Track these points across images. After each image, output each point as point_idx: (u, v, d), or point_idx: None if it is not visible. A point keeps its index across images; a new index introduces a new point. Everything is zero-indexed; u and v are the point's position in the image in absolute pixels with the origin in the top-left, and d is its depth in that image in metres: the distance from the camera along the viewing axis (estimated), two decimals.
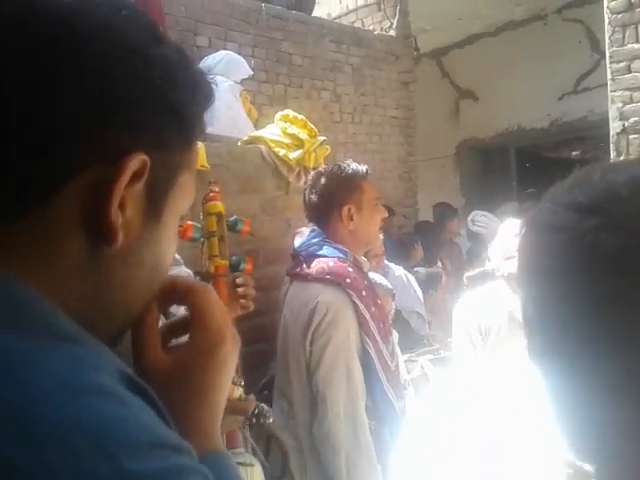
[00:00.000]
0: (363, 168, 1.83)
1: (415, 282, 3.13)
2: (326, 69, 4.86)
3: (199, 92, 0.48)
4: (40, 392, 0.34)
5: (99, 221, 0.42)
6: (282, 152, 2.43)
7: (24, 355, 0.35)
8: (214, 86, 0.51)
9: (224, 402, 0.53)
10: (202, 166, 2.18)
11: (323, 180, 1.81)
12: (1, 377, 0.34)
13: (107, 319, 0.46)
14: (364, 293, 1.71)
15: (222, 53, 3.71)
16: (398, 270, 3.04)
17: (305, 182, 2.60)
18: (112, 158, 0.42)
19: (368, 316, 1.69)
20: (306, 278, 1.74)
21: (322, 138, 2.48)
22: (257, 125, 3.52)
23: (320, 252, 1.76)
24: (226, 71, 3.50)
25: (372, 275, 2.15)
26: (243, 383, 1.00)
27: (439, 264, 4.01)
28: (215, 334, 0.50)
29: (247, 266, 1.62)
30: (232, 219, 1.55)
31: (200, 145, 2.32)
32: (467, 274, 3.46)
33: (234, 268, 1.61)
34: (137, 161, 0.42)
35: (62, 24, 0.41)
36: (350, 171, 1.81)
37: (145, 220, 0.46)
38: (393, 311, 2.28)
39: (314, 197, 1.83)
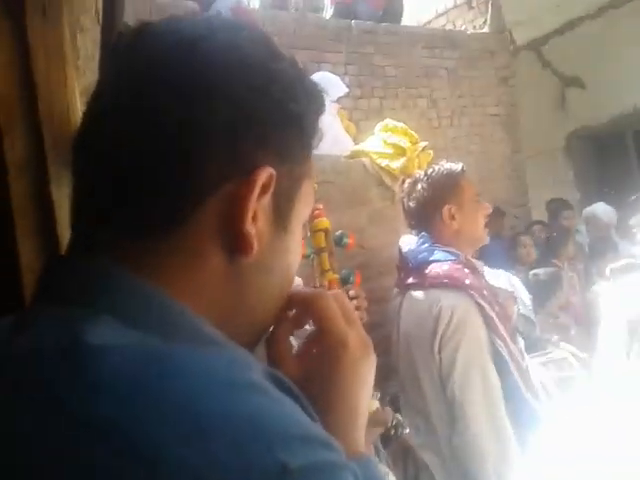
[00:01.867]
0: (458, 166, 1.78)
1: (520, 284, 2.96)
2: (420, 76, 4.83)
3: (314, 101, 0.50)
4: (200, 388, 0.35)
5: (235, 233, 0.44)
6: (385, 162, 2.44)
7: (175, 354, 0.37)
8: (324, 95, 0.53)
9: (363, 410, 0.52)
10: None
11: (419, 185, 1.78)
12: (156, 375, 0.35)
13: (247, 324, 0.49)
14: (485, 293, 1.64)
15: (317, 75, 3.80)
16: (499, 273, 2.90)
17: None
18: (245, 173, 0.44)
19: (494, 315, 1.61)
20: (422, 286, 1.70)
21: (423, 144, 2.46)
22: (356, 140, 3.56)
23: (431, 257, 1.72)
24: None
25: (490, 279, 2.07)
26: (379, 395, 1.01)
27: (557, 263, 3.79)
28: (335, 338, 0.50)
29: (356, 279, 1.64)
30: (337, 234, 1.59)
31: None
32: (611, 266, 3.25)
33: (344, 281, 1.65)
34: (265, 174, 0.44)
35: (191, 49, 0.44)
36: (445, 171, 1.77)
37: (274, 230, 0.47)
38: (516, 315, 2.18)
39: (412, 204, 1.80)
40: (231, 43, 0.46)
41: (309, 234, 1.51)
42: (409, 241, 1.83)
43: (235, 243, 0.45)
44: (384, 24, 4.75)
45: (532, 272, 3.34)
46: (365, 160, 2.51)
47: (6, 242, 0.66)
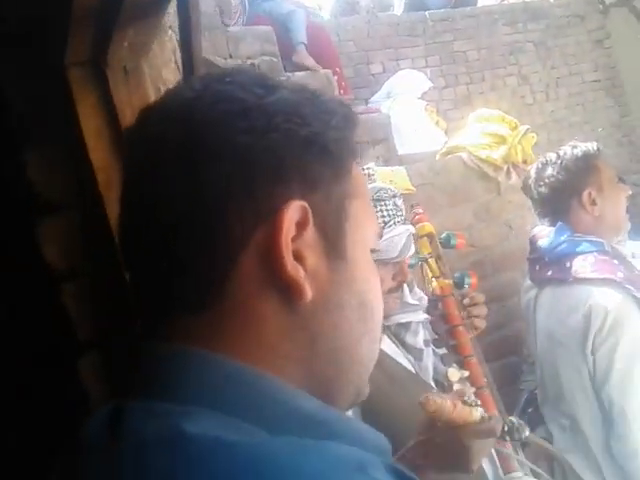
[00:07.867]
0: (593, 145, 1.62)
1: None
2: (505, 54, 4.60)
3: (334, 117, 0.46)
4: None
5: (281, 281, 0.41)
6: (485, 153, 2.31)
7: (278, 457, 0.34)
8: (353, 106, 0.50)
9: None
10: (407, 189, 2.17)
11: (550, 170, 1.62)
12: None
13: (337, 372, 0.45)
14: None
15: (398, 74, 3.74)
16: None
17: (517, 179, 2.43)
18: (268, 216, 0.41)
19: None
20: (565, 281, 1.54)
21: (525, 127, 2.30)
22: (448, 133, 3.44)
23: (573, 249, 1.55)
24: (406, 90, 3.51)
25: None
26: (479, 402, 0.94)
27: None
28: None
29: (472, 280, 1.55)
30: (444, 236, 1.50)
31: (401, 169, 2.31)
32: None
33: (459, 285, 1.55)
34: (294, 210, 0.41)
35: (187, 116, 0.43)
36: (580, 153, 1.60)
37: (330, 262, 0.44)
38: None
39: (544, 190, 1.63)
40: (220, 94, 0.44)
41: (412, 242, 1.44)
42: (544, 232, 1.66)
43: (286, 291, 0.42)
44: (460, 9, 4.57)
45: None
46: (463, 155, 2.39)
47: None
